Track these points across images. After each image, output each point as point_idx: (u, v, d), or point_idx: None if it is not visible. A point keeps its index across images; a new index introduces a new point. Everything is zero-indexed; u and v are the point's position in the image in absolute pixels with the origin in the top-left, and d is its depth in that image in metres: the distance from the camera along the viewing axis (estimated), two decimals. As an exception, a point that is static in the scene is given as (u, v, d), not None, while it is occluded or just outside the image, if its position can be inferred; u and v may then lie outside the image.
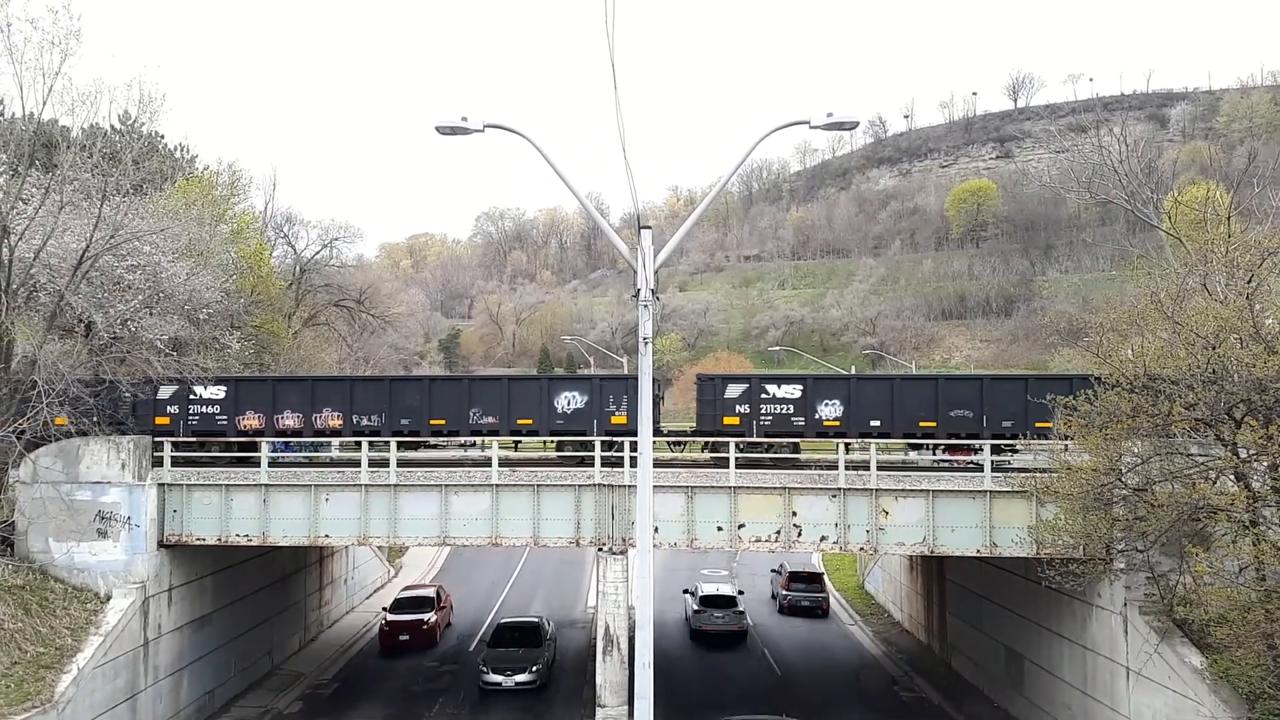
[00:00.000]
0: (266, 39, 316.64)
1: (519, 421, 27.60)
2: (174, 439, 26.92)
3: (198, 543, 26.14)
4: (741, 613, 37.36)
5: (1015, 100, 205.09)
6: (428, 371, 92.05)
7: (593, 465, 25.74)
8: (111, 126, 33.07)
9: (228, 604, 29.19)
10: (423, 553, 52.29)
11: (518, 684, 30.05)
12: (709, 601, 37.61)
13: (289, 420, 27.73)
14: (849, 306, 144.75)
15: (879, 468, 25.43)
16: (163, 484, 25.83)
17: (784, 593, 42.24)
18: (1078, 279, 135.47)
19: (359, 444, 27.06)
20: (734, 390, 27.35)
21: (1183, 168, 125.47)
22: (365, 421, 27.63)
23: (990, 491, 24.50)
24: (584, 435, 27.12)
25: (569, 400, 27.53)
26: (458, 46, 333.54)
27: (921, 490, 24.91)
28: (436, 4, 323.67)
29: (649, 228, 15.26)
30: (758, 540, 25.36)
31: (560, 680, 32.09)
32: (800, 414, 27.02)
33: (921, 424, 26.62)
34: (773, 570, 45.76)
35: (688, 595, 39.92)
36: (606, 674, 24.50)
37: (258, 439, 27.24)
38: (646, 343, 15.30)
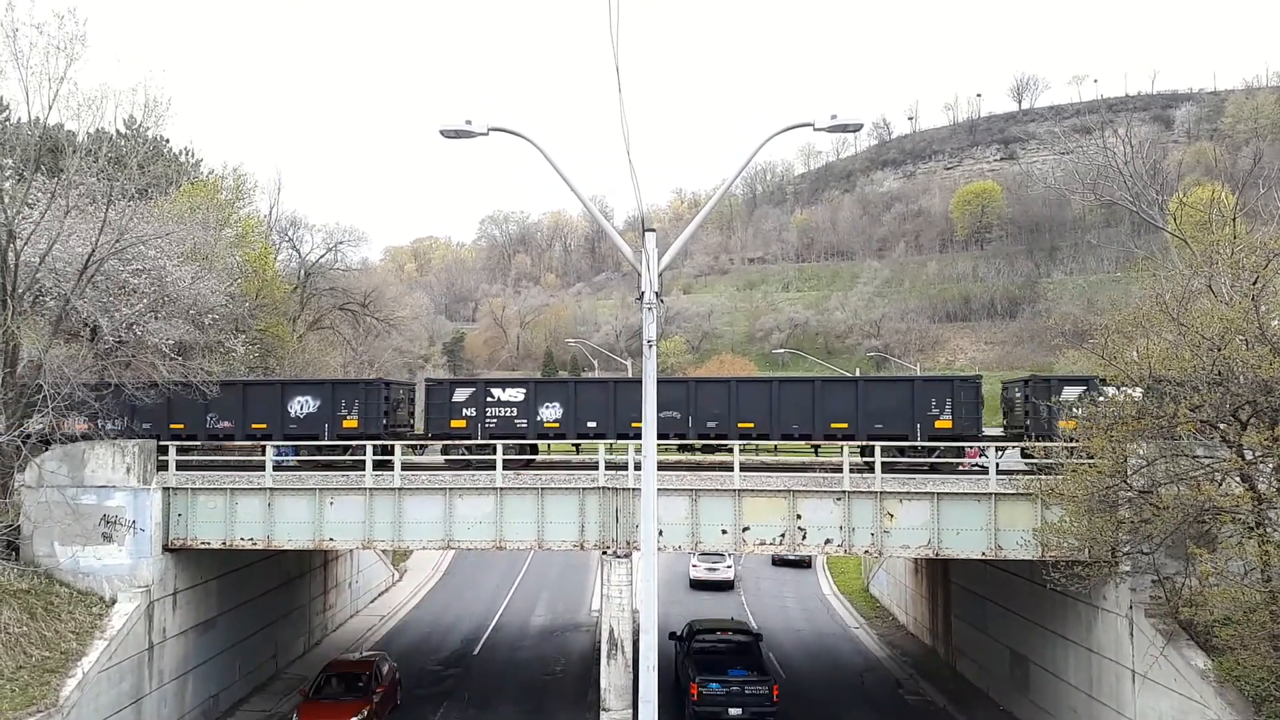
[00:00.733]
0: (271, 43, 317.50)
1: (253, 426, 28.25)
2: (178, 442, 26.97)
3: (202, 547, 26.17)
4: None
5: (1020, 102, 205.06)
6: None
7: (596, 468, 25.75)
8: (117, 131, 33.13)
9: (232, 608, 29.22)
10: (427, 556, 52.33)
11: None
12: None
13: None
14: (853, 309, 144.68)
15: (883, 470, 25.39)
16: (168, 488, 25.86)
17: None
18: (1082, 281, 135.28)
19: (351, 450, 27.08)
20: (461, 394, 28.17)
21: (1188, 169, 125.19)
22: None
23: (995, 494, 24.45)
24: (316, 439, 27.95)
25: (302, 405, 28.10)
26: (462, 50, 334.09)
27: (926, 493, 24.87)
28: (441, 8, 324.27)
29: (653, 230, 15.26)
30: (762, 543, 25.33)
31: (565, 684, 32.08)
32: (524, 416, 27.88)
33: (633, 424, 26.91)
34: None
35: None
36: (611, 677, 24.48)
37: (264, 443, 27.30)
38: (651, 345, 15.31)
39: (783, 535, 25.18)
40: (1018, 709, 28.66)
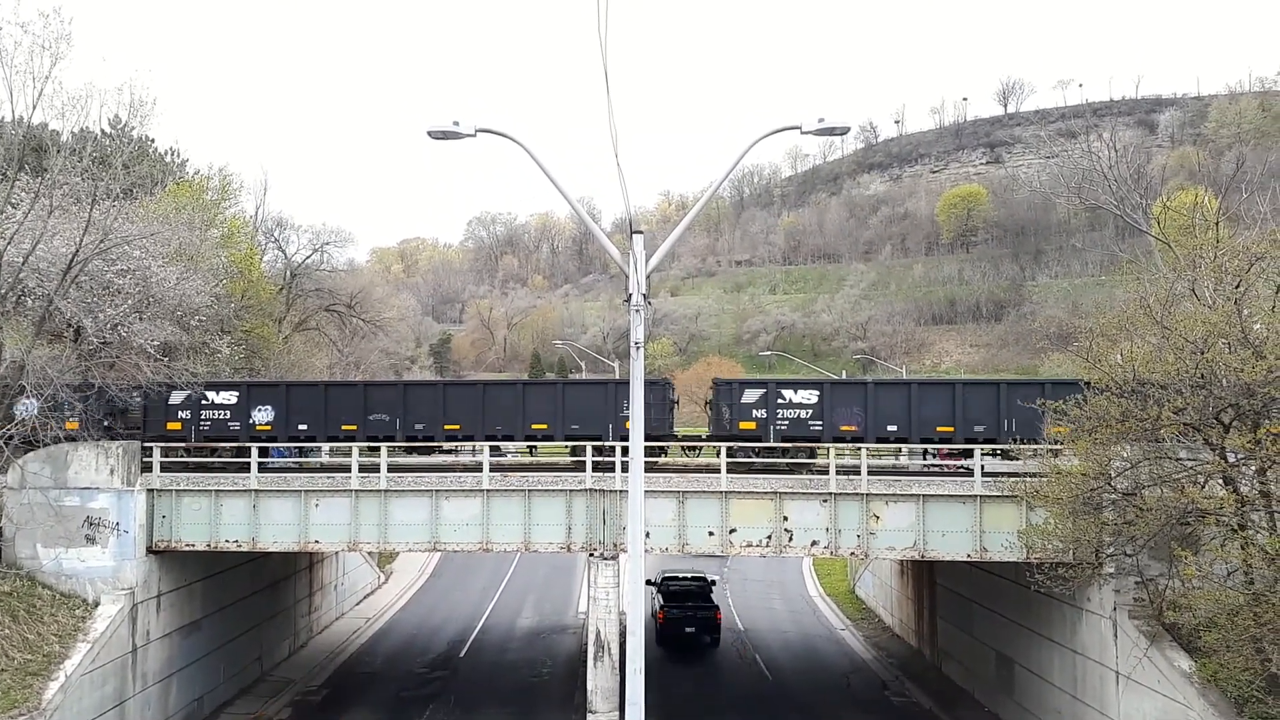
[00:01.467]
0: (257, 43, 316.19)
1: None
2: (164, 444, 26.82)
3: (187, 549, 26.00)
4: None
5: (1005, 106, 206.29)
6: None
7: (583, 470, 25.73)
8: (102, 130, 32.86)
9: (217, 610, 29.05)
10: (413, 558, 52.14)
11: None
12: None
13: None
14: (840, 311, 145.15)
15: (870, 472, 25.47)
16: (152, 489, 25.70)
17: None
18: (1067, 284, 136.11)
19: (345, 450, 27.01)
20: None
21: (1171, 173, 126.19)
22: None
23: (980, 496, 24.55)
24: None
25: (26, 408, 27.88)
26: (450, 51, 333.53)
27: (912, 495, 24.95)
28: (429, 8, 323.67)
29: (641, 232, 15.28)
30: (749, 545, 25.36)
31: (551, 686, 32.04)
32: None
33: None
34: None
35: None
36: (597, 679, 24.46)
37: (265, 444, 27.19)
38: (638, 347, 15.32)
39: (769, 537, 25.22)
40: (1003, 710, 28.77)
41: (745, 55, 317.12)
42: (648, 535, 24.44)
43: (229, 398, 28.41)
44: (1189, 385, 19.39)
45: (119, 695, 23.78)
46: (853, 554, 25.82)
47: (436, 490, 25.84)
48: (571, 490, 25.53)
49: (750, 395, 27.85)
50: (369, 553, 45.77)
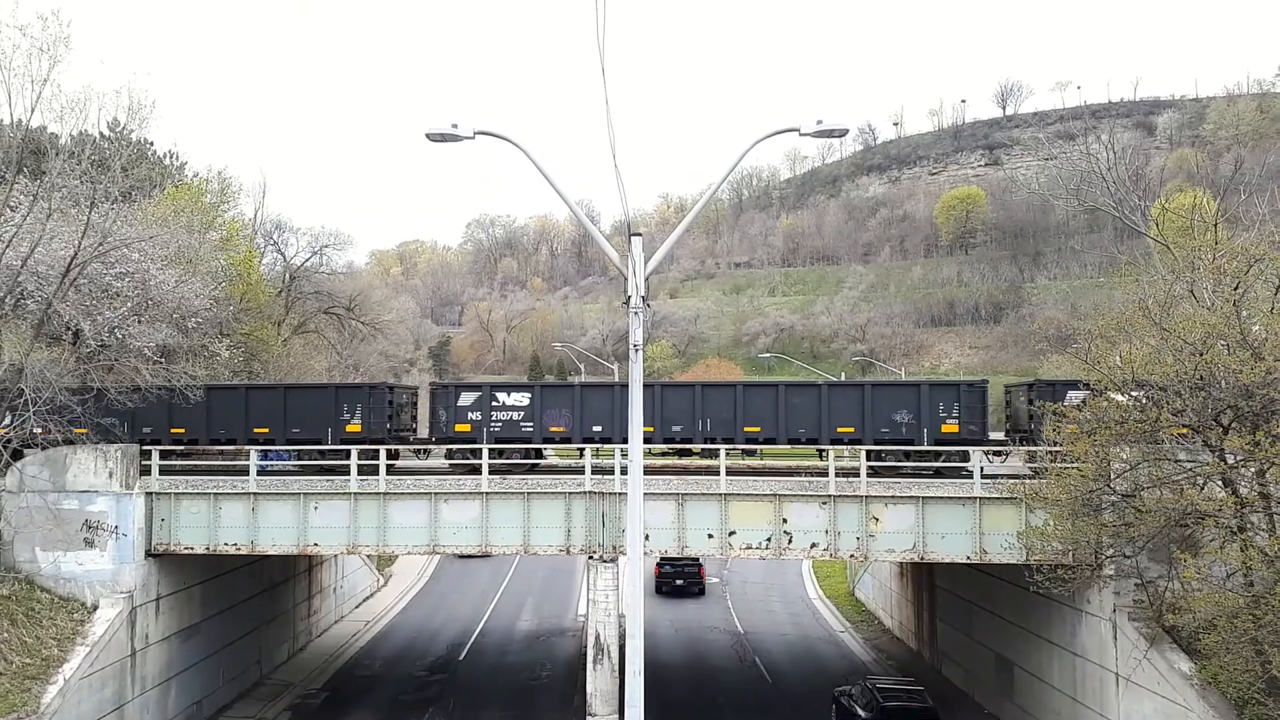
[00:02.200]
0: (256, 46, 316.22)
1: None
2: (160, 447, 26.78)
3: (186, 552, 25.99)
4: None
5: (1004, 108, 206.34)
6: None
7: (582, 472, 25.72)
8: (100, 133, 32.86)
9: (216, 613, 29.02)
10: (412, 561, 52.11)
11: None
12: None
13: None
14: (839, 313, 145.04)
15: (869, 474, 25.46)
16: (150, 493, 25.68)
17: None
18: (1066, 286, 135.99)
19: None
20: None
21: (1170, 175, 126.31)
22: None
23: (980, 498, 24.54)
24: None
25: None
26: (449, 53, 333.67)
27: (911, 497, 24.94)
28: (427, 10, 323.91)
29: (640, 235, 15.30)
30: (748, 547, 25.34)
31: (551, 689, 32.01)
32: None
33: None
34: None
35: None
36: (597, 682, 24.44)
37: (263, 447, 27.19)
38: (637, 350, 15.32)
39: (769, 539, 25.21)
40: (1003, 712, 28.76)
41: (744, 58, 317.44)
42: (647, 538, 24.42)
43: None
44: (1188, 387, 19.40)
45: (118, 699, 23.75)
46: (852, 556, 25.81)
47: (435, 493, 25.82)
48: (570, 493, 25.52)
49: (467, 398, 28.24)
50: (368, 556, 45.73)
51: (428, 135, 15.75)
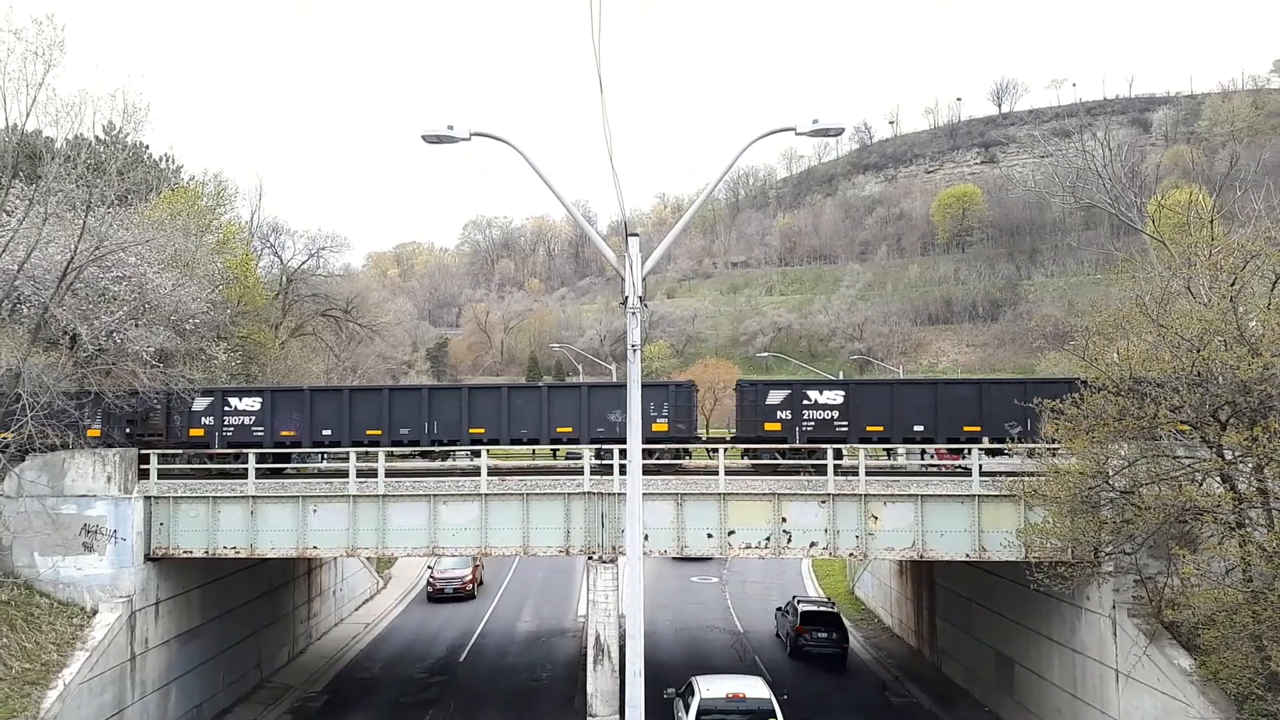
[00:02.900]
0: (252, 49, 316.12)
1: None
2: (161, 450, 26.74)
3: (185, 556, 25.96)
4: None
5: (999, 106, 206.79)
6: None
7: (581, 473, 25.71)
8: (96, 137, 32.83)
9: (216, 617, 28.99)
10: (412, 563, 52.04)
11: None
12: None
13: None
14: (836, 312, 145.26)
15: (868, 473, 25.46)
16: (149, 496, 25.64)
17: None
18: (1063, 283, 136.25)
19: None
20: None
21: (1165, 172, 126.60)
22: None
23: (979, 495, 24.56)
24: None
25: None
26: (444, 54, 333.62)
27: (910, 495, 24.95)
28: (423, 12, 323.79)
29: (636, 235, 15.30)
30: (748, 547, 25.34)
31: (551, 690, 32.01)
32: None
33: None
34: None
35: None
36: (597, 683, 24.43)
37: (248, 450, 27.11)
38: (635, 350, 15.33)
39: (768, 539, 25.21)
40: (1003, 710, 28.78)
41: (739, 57, 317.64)
42: (646, 538, 24.40)
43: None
44: (1186, 383, 19.41)
45: (118, 703, 23.72)
46: (851, 555, 25.81)
47: (434, 495, 25.81)
48: (570, 493, 25.51)
49: (200, 403, 28.18)
50: (367, 558, 45.71)
51: (423, 137, 15.74)
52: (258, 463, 26.29)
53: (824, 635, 35.20)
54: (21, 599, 23.83)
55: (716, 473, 25.45)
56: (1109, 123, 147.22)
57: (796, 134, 15.80)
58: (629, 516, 15.17)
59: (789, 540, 25.21)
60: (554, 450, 30.10)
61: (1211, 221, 27.31)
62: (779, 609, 38.95)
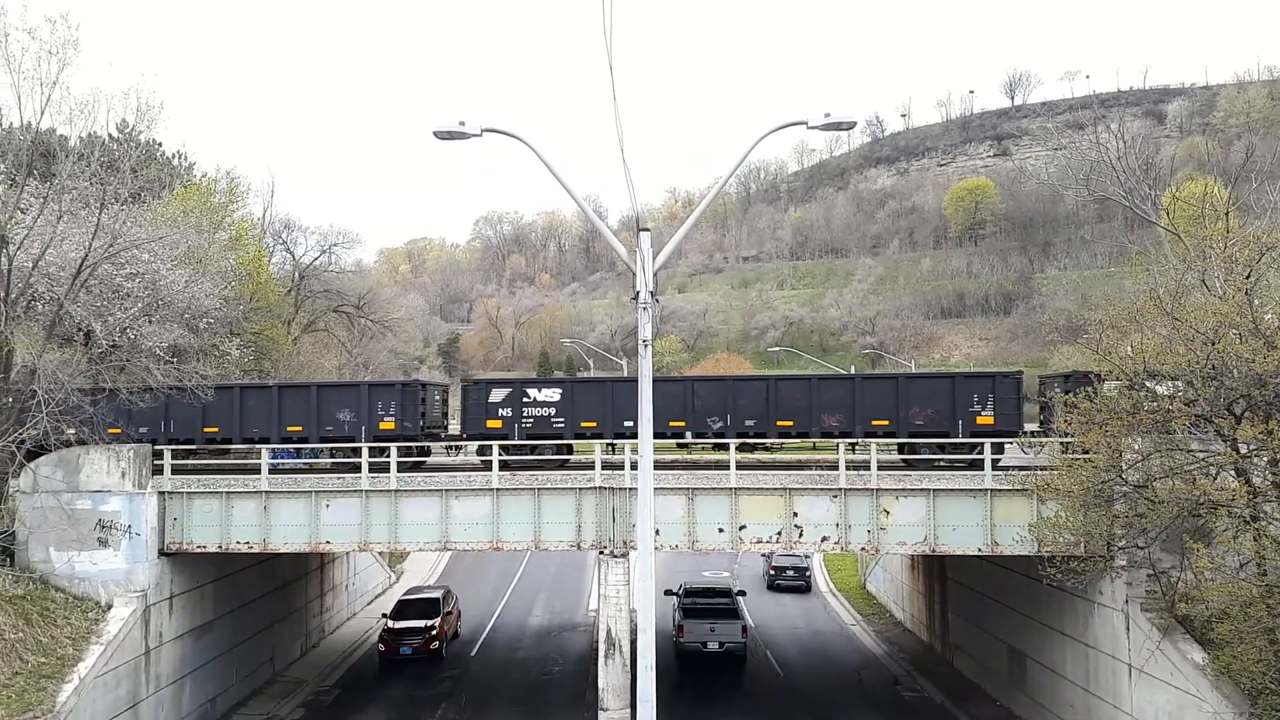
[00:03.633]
0: (264, 46, 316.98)
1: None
2: (173, 446, 26.91)
3: (198, 550, 26.11)
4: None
5: (1012, 98, 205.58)
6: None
7: (593, 468, 25.74)
8: (109, 135, 32.96)
9: (229, 611, 29.17)
10: (424, 558, 52.27)
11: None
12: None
13: None
14: (848, 306, 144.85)
15: (879, 467, 25.40)
16: (163, 492, 25.81)
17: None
18: (1076, 276, 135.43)
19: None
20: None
21: (1180, 163, 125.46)
22: None
23: (991, 490, 24.46)
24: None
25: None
26: (456, 51, 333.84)
27: (922, 489, 24.88)
28: (434, 9, 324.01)
29: (647, 230, 15.25)
30: (759, 541, 25.34)
31: (563, 684, 32.09)
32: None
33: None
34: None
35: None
36: (609, 677, 24.47)
37: (263, 445, 27.24)
38: (646, 345, 15.30)
39: (779, 533, 25.19)
40: (1015, 704, 28.71)
41: (751, 51, 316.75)
42: (657, 533, 24.41)
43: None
44: (1200, 376, 19.30)
45: (132, 697, 23.90)
46: (863, 549, 25.78)
47: (446, 490, 25.88)
48: (581, 488, 25.55)
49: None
50: (380, 553, 45.88)
51: (435, 133, 15.74)
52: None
53: (792, 574, 47.85)
54: (37, 593, 24.02)
55: (727, 467, 25.44)
56: (1123, 114, 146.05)
57: (808, 128, 15.72)
58: (640, 511, 15.16)
59: (800, 535, 25.18)
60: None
61: (1227, 214, 27.16)
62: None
